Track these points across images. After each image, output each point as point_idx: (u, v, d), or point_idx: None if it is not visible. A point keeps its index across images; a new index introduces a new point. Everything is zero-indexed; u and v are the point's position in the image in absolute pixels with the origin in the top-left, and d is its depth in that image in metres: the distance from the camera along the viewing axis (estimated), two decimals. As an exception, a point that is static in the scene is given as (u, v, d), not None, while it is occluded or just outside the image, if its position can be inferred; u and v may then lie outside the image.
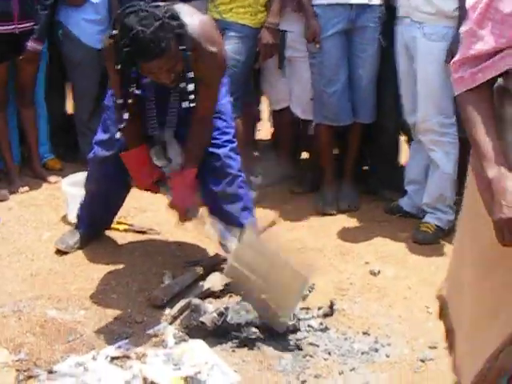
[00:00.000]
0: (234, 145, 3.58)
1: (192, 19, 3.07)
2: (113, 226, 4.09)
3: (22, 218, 4.35)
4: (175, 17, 2.93)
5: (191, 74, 3.04)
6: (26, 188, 4.81)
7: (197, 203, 3.40)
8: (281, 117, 5.03)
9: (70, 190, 4.23)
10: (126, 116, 3.15)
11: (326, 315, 3.28)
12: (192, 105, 3.13)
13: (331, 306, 3.30)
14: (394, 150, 4.98)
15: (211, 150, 3.48)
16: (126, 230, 4.13)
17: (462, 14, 3.94)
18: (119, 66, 2.95)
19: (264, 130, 5.75)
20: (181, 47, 2.94)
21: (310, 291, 3.48)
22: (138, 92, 3.12)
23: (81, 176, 4.32)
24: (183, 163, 3.36)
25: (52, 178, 4.99)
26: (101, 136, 3.65)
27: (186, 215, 3.33)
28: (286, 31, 4.59)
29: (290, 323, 3.11)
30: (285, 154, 5.12)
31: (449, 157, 4.20)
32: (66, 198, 4.28)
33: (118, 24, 2.92)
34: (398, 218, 4.55)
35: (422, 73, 4.13)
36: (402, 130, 4.88)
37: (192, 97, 3.10)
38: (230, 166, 3.53)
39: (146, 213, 4.46)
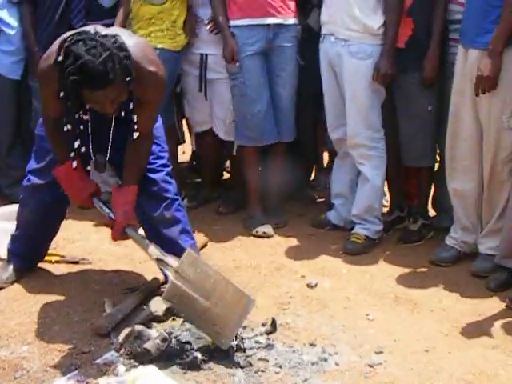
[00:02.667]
0: (169, 168, 3.58)
1: (131, 41, 3.05)
2: (44, 258, 4.00)
3: None
4: (122, 48, 2.91)
5: (132, 105, 3.08)
6: None
7: (135, 221, 3.39)
8: (203, 139, 5.04)
9: (-1, 225, 4.12)
10: (76, 144, 3.17)
11: (269, 333, 3.29)
12: (136, 134, 3.18)
13: (273, 323, 3.31)
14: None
15: (147, 175, 3.46)
16: (58, 262, 4.03)
17: (386, 31, 4.08)
18: (62, 94, 2.93)
19: (188, 153, 5.75)
20: (127, 78, 2.93)
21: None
22: (86, 117, 3.13)
23: (8, 209, 4.24)
24: (123, 181, 3.34)
25: (-28, 214, 4.83)
26: (34, 165, 3.58)
27: (123, 232, 3.28)
28: (206, 54, 4.62)
29: (235, 342, 3.11)
30: (208, 176, 5.15)
31: (377, 170, 4.32)
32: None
33: (62, 51, 2.88)
34: (326, 232, 4.64)
35: (349, 90, 4.24)
36: (324, 146, 5.00)
37: (136, 127, 3.15)
38: (166, 190, 3.53)
39: (75, 243, 4.39)
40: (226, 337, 3.08)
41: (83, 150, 3.27)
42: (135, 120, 3.18)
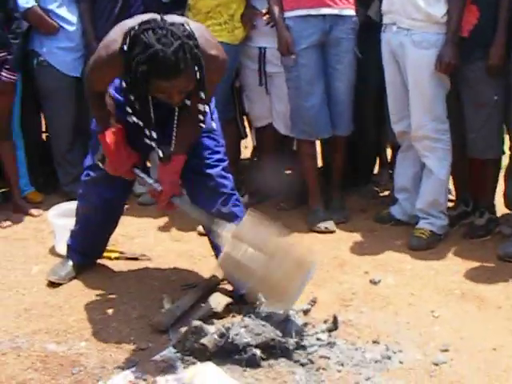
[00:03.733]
0: (226, 163, 3.51)
1: (193, 27, 2.97)
2: (104, 254, 3.99)
3: (8, 253, 4.22)
4: (191, 36, 2.84)
5: (203, 94, 3.00)
6: (9, 223, 4.69)
7: (182, 191, 3.32)
8: (263, 134, 4.99)
9: (56, 222, 4.13)
10: (154, 135, 3.12)
11: (330, 330, 3.20)
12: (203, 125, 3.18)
13: (335, 321, 3.22)
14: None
15: (204, 170, 3.41)
16: (117, 258, 4.03)
17: (449, 19, 3.95)
18: (125, 84, 2.90)
19: (250, 148, 5.70)
20: (197, 67, 2.85)
21: (312, 305, 3.43)
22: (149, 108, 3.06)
23: (66, 206, 4.25)
24: (173, 150, 3.24)
25: (34, 211, 4.88)
26: (91, 161, 3.55)
27: (170, 202, 3.22)
28: (265, 47, 4.56)
29: (295, 339, 3.03)
30: (269, 171, 5.07)
31: (442, 163, 4.20)
32: (53, 230, 4.18)
33: (128, 39, 2.82)
34: (389, 227, 4.55)
35: (413, 81, 4.13)
36: (387, 140, 4.90)
37: (202, 118, 3.13)
38: (223, 185, 3.45)
39: (135, 239, 4.39)
40: (286, 303, 3.03)
41: (154, 135, 3.14)
42: (205, 110, 3.12)
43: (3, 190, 5.06)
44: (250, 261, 2.95)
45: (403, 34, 4.09)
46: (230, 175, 3.51)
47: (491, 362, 2.98)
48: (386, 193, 5.18)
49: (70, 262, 3.79)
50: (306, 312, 3.35)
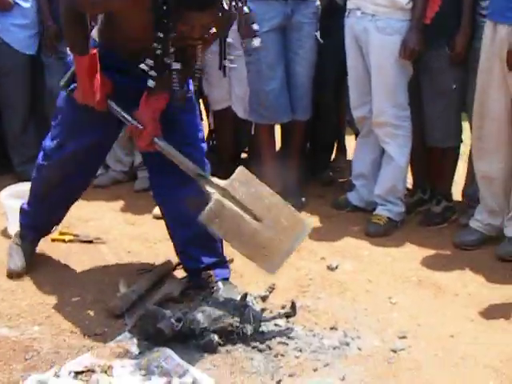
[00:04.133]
0: (205, 147, 3.39)
1: None
2: (57, 236, 3.92)
3: (-43, 235, 4.13)
4: None
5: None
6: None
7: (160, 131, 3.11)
8: (222, 117, 4.94)
9: (8, 203, 4.04)
10: (177, 65, 2.98)
11: (288, 316, 3.17)
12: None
13: (293, 307, 3.18)
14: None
15: (188, 150, 3.18)
16: (71, 241, 3.97)
17: (414, 6, 3.95)
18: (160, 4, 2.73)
19: (205, 132, 5.63)
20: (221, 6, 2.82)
21: (270, 291, 3.40)
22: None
23: (19, 187, 4.16)
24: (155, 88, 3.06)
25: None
26: (51, 143, 3.38)
27: (152, 142, 3.05)
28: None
29: (252, 325, 3.00)
30: (226, 155, 5.03)
31: (403, 150, 4.22)
32: (5, 212, 4.09)
33: None
34: (346, 213, 4.55)
35: (376, 67, 4.12)
36: (348, 125, 4.89)
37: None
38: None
39: (89, 222, 4.32)
40: (275, 262, 3.00)
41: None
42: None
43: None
44: (238, 218, 2.89)
45: (367, 19, 4.08)
46: (205, 159, 3.36)
47: (448, 350, 2.99)
48: (344, 179, 5.17)
49: (21, 250, 3.63)
50: (264, 298, 3.33)
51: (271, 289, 3.41)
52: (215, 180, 2.97)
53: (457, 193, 4.59)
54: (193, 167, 3.03)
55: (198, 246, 3.34)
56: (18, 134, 5.05)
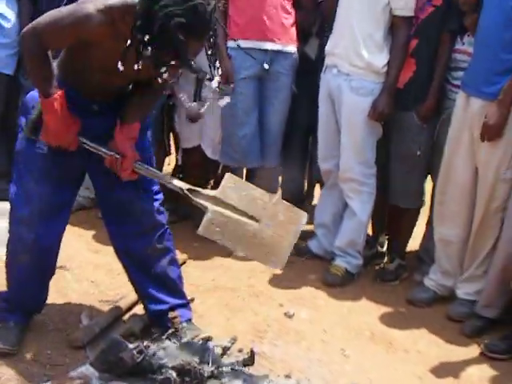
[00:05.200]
0: (161, 196, 3.36)
1: None
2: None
3: None
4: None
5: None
6: None
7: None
8: (190, 155, 5.03)
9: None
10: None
11: (246, 364, 3.18)
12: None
13: (252, 355, 3.20)
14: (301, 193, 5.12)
15: (141, 204, 3.23)
16: (35, 267, 3.97)
17: (389, 70, 4.10)
18: (154, 33, 2.60)
19: (172, 165, 5.71)
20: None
21: (232, 343, 3.31)
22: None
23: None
24: (127, 119, 3.05)
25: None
26: (22, 212, 3.13)
27: (134, 169, 3.04)
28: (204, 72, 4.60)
29: (210, 368, 3.03)
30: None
31: (365, 206, 4.33)
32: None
33: None
34: (305, 260, 4.62)
35: (346, 124, 4.24)
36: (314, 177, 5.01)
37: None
38: (160, 222, 3.32)
39: (53, 247, 4.32)
40: (280, 258, 3.05)
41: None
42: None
43: None
44: (237, 223, 2.95)
45: (342, 78, 4.19)
46: (163, 208, 3.39)
47: (396, 407, 3.11)
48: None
49: (11, 323, 3.26)
50: (225, 349, 3.26)
51: (234, 341, 3.36)
52: (206, 191, 3.02)
53: (414, 246, 4.74)
54: (181, 184, 3.05)
55: (162, 288, 3.36)
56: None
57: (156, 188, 3.31)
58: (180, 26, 2.57)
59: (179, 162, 5.37)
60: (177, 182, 3.06)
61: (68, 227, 4.55)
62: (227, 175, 3.06)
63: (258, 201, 3.02)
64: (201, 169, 5.09)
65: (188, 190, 3.03)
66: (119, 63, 2.73)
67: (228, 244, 3.06)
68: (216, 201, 2.98)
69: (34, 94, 3.07)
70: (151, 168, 3.13)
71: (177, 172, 5.60)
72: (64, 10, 2.82)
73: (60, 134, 2.95)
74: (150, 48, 2.65)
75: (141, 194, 3.23)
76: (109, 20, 2.73)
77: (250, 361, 3.20)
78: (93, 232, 4.67)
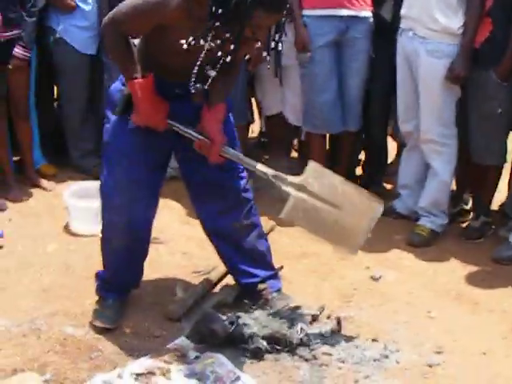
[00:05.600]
0: (246, 174, 3.40)
1: None
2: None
3: (22, 229, 4.37)
4: None
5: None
6: (24, 197, 4.83)
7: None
8: (273, 122, 5.11)
9: (72, 202, 4.30)
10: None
11: (333, 332, 3.31)
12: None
13: (339, 323, 3.32)
14: (382, 155, 5.16)
15: (229, 183, 3.32)
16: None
17: (465, 32, 4.06)
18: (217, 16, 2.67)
19: (256, 132, 5.81)
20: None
21: (320, 312, 3.46)
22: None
23: (81, 186, 4.41)
24: (212, 101, 3.09)
25: (47, 184, 5.02)
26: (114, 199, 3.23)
27: (222, 152, 3.08)
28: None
29: (299, 335, 3.19)
30: (277, 157, 5.21)
31: (447, 166, 4.35)
32: (68, 208, 4.32)
33: None
34: (391, 220, 4.66)
35: (424, 87, 4.24)
36: (394, 137, 5.02)
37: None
38: (246, 199, 3.39)
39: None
40: (356, 244, 3.18)
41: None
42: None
43: (15, 158, 5.17)
44: (318, 210, 3.05)
45: (418, 41, 4.19)
46: (249, 186, 3.45)
47: (481, 367, 3.15)
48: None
49: (109, 300, 3.42)
50: (314, 317, 3.42)
51: (322, 309, 3.48)
52: (290, 177, 3.08)
53: (499, 201, 4.72)
54: (266, 169, 3.10)
55: (251, 262, 3.47)
56: (77, 128, 5.29)
57: (241, 166, 3.33)
58: (259, 2, 2.62)
59: (263, 129, 5.49)
60: (261, 167, 3.11)
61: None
62: (310, 164, 3.11)
63: (339, 188, 3.10)
64: (284, 135, 5.17)
65: (272, 176, 3.09)
66: (191, 41, 2.77)
67: (309, 229, 3.16)
68: (299, 187, 3.05)
69: (117, 85, 3.19)
70: (237, 152, 3.18)
71: (261, 136, 5.73)
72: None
73: (150, 115, 3.01)
74: (226, 24, 2.68)
75: (227, 173, 3.30)
76: (185, 2, 2.77)
77: (337, 329, 3.32)
78: (183, 203, 4.74)
